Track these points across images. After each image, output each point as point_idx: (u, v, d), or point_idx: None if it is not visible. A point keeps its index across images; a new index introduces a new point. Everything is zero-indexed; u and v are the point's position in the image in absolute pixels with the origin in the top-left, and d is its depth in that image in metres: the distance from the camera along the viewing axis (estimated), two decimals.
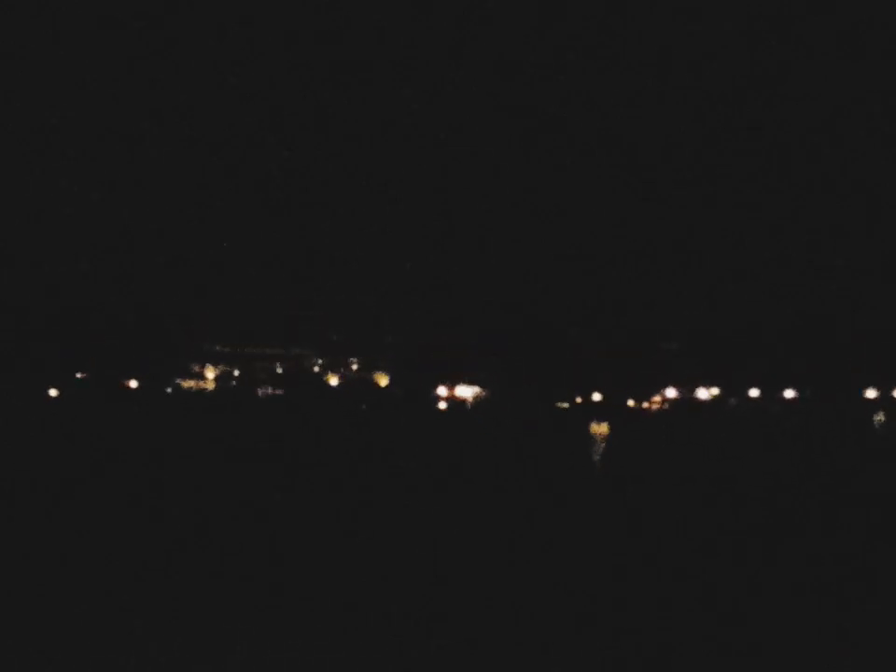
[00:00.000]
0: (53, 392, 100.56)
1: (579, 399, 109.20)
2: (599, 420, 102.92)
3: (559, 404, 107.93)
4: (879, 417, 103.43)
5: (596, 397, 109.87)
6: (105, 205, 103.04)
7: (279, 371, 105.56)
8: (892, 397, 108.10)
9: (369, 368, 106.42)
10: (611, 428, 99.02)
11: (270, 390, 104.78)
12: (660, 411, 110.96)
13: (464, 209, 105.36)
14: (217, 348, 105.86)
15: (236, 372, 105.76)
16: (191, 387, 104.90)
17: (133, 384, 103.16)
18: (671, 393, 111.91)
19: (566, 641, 17.11)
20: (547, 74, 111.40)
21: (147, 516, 27.27)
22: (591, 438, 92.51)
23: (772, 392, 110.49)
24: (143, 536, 23.88)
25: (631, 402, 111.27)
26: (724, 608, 19.43)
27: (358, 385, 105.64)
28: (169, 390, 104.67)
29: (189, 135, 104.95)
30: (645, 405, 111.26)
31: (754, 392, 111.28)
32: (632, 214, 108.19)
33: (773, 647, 17.18)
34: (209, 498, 32.25)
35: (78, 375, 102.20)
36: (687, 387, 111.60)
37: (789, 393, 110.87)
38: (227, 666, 15.62)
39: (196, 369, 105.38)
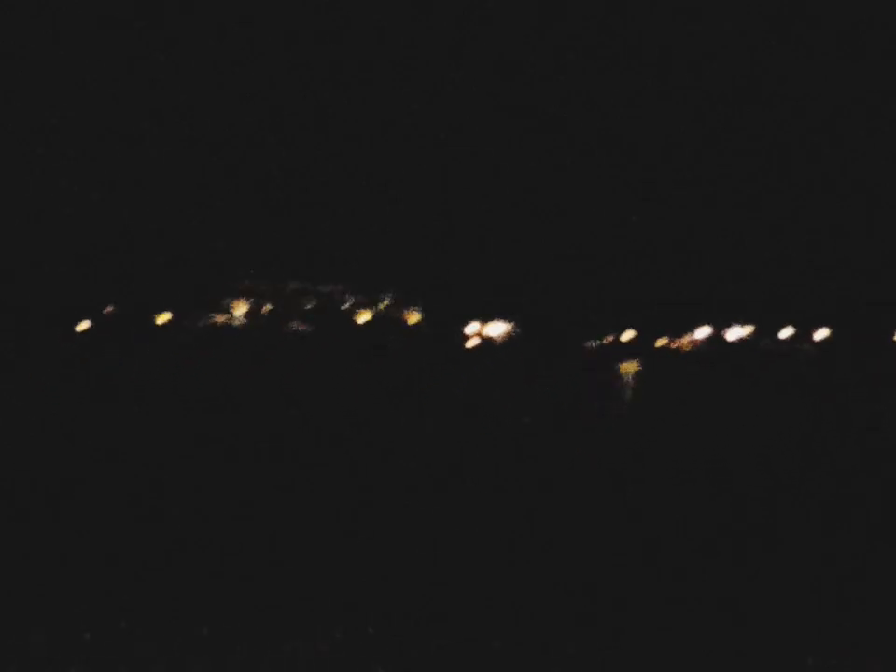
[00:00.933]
0: (85, 325, 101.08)
1: (609, 339, 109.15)
2: (629, 359, 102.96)
3: (589, 343, 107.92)
4: None
5: (627, 335, 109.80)
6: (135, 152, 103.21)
7: (308, 308, 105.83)
8: None
9: (399, 306, 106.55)
10: (641, 368, 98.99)
11: (299, 327, 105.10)
12: (692, 350, 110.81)
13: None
14: (247, 283, 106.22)
15: (265, 308, 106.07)
16: (219, 322, 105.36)
17: (163, 319, 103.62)
18: (703, 332, 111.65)
19: (566, 641, 17.02)
20: (547, 74, 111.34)
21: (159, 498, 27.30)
22: (621, 377, 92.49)
23: (804, 333, 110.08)
24: (141, 530, 23.87)
25: (663, 341, 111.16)
26: (729, 603, 19.25)
27: (388, 323, 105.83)
28: (201, 324, 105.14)
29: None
30: (675, 344, 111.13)
31: (787, 332, 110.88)
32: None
33: (773, 643, 17.06)
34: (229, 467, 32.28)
35: (107, 310, 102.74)
36: (719, 327, 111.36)
37: (822, 333, 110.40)
38: (227, 666, 15.62)
39: (225, 304, 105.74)
